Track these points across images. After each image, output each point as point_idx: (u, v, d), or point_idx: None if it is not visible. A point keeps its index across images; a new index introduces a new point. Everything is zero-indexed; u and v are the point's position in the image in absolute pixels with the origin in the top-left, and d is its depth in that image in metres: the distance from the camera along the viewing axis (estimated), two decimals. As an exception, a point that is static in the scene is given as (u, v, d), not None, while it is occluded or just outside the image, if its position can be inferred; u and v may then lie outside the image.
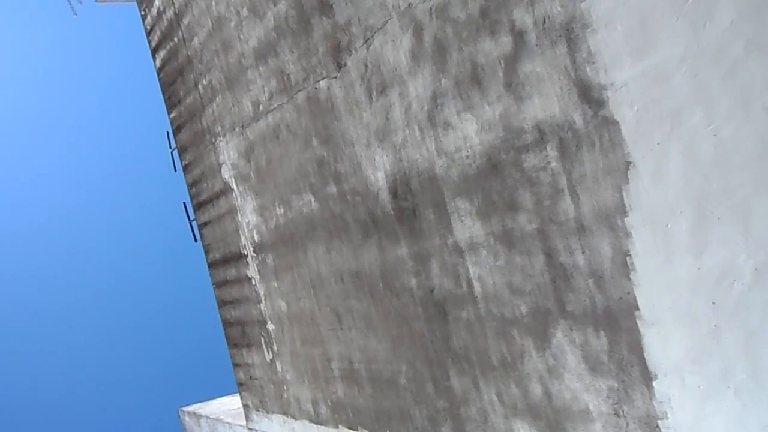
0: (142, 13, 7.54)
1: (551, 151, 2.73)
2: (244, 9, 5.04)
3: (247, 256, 6.28)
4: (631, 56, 2.31)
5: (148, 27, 7.45)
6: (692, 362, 2.39)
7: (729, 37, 2.02)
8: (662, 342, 2.48)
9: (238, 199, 6.11)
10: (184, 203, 7.73)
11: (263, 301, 6.15)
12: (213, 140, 6.34)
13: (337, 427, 5.20)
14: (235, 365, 7.35)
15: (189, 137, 7.00)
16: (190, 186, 7.43)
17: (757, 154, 2.03)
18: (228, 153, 6.08)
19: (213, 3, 5.57)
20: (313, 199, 4.78)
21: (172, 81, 7.07)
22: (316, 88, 4.37)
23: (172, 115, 7.38)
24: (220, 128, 6.11)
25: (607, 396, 2.77)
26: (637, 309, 2.53)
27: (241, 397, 7.44)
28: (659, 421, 2.56)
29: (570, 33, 2.51)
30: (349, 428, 5.02)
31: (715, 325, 2.28)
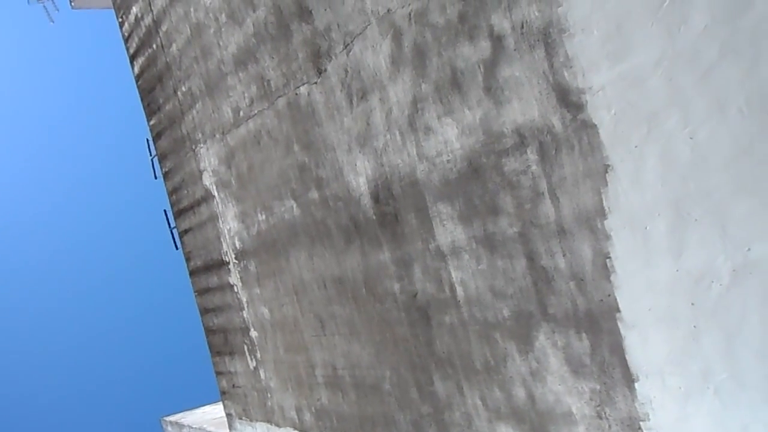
0: (120, 19, 7.47)
1: (531, 155, 2.74)
2: (223, 15, 5.01)
3: (228, 263, 6.23)
4: (608, 60, 2.33)
5: (126, 34, 7.38)
6: (673, 363, 2.40)
7: (704, 41, 2.05)
8: (643, 343, 2.49)
9: (220, 205, 6.06)
10: (165, 211, 7.67)
11: (246, 309, 6.10)
12: (193, 147, 6.29)
13: (322, 435, 5.17)
14: (218, 373, 7.28)
15: (169, 144, 6.94)
16: (170, 193, 7.35)
17: (733, 156, 2.06)
18: (209, 160, 6.03)
19: (192, 9, 5.53)
20: (294, 205, 4.75)
21: (151, 88, 7.00)
22: (296, 93, 4.35)
23: (151, 123, 7.31)
24: (200, 135, 6.06)
25: (590, 398, 2.78)
26: (618, 311, 2.54)
27: (224, 406, 7.36)
28: (641, 423, 2.57)
29: (547, 37, 2.52)
30: (334, 435, 4.98)
31: (695, 326, 2.30)
